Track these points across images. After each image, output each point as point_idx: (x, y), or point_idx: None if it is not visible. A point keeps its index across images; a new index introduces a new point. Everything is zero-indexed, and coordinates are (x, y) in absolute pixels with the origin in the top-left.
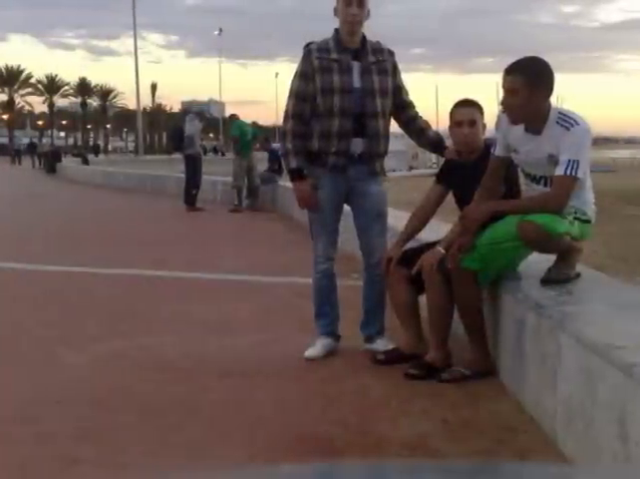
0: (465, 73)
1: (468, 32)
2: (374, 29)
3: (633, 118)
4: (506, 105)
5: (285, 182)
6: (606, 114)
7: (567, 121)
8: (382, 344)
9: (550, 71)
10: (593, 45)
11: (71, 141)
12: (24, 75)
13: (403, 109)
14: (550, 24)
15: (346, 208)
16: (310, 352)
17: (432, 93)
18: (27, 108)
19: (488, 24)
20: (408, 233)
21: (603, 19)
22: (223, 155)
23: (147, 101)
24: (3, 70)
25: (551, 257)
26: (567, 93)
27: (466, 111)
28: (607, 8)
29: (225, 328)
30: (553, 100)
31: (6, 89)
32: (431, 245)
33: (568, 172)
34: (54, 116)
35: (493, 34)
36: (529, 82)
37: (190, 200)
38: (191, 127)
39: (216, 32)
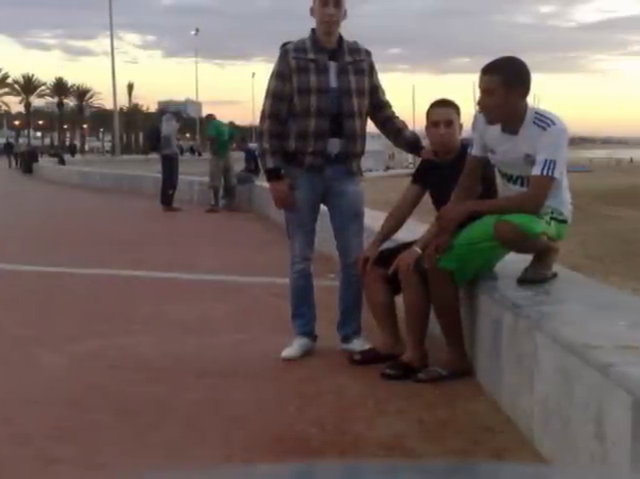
0: (441, 73)
1: (444, 32)
2: (351, 29)
3: (609, 118)
4: (483, 105)
5: (262, 182)
6: (583, 114)
7: (544, 121)
8: (358, 344)
9: (527, 71)
10: (570, 45)
11: (47, 141)
12: (0, 75)
13: (379, 109)
14: (527, 24)
15: (323, 208)
16: (287, 352)
17: (408, 93)
18: (3, 108)
19: (465, 24)
20: (384, 233)
21: (580, 19)
22: (200, 155)
23: (123, 101)
24: None
25: (528, 257)
26: (544, 93)
27: (442, 111)
28: (583, 8)
29: (203, 328)
30: (530, 100)
31: None
32: (407, 246)
33: (545, 172)
34: (30, 116)
35: (470, 34)
36: (506, 82)
37: (167, 200)
38: (168, 127)
39: (193, 32)
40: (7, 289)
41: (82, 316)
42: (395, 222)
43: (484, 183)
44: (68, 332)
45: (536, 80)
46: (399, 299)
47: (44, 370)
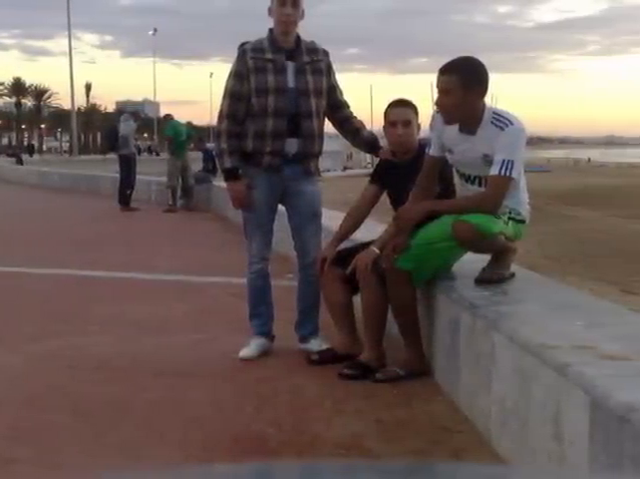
0: (399, 73)
1: (402, 32)
2: (308, 29)
3: (566, 118)
4: (441, 105)
5: (220, 182)
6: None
7: (502, 121)
8: (316, 344)
9: (485, 71)
10: (528, 45)
11: (5, 141)
12: None
13: (337, 109)
14: (485, 24)
15: (280, 208)
16: (244, 352)
17: (366, 93)
18: None
19: (423, 24)
20: (342, 232)
21: (538, 19)
22: (158, 155)
23: (81, 101)
24: None
25: (486, 257)
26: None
27: (400, 111)
28: (541, 8)
29: (161, 328)
30: (488, 100)
31: None
32: (365, 246)
33: (503, 172)
34: None
35: (428, 34)
36: (464, 82)
37: (125, 199)
38: (126, 127)
39: (151, 32)
40: None
41: (40, 316)
42: (353, 222)
43: (442, 183)
44: (25, 332)
45: (494, 80)
46: (357, 299)
47: (1, 370)
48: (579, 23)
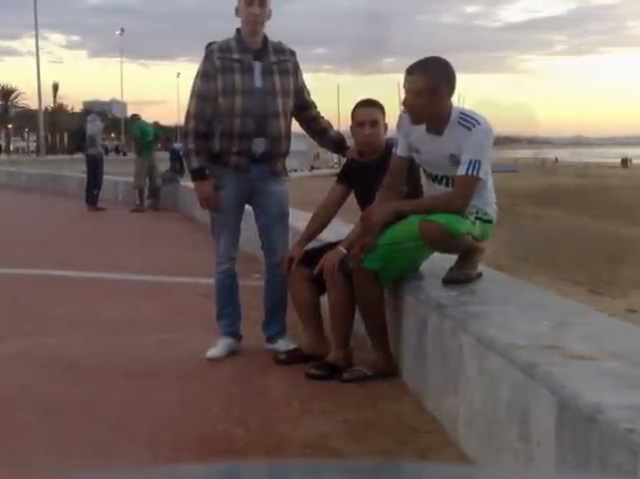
0: (366, 73)
1: (368, 32)
2: (275, 29)
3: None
4: (408, 105)
5: (187, 182)
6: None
7: (469, 121)
8: (283, 344)
9: (452, 71)
10: (496, 45)
11: None
12: None
13: (304, 109)
14: (453, 24)
15: (247, 207)
16: (212, 352)
17: (333, 93)
18: None
19: (391, 23)
20: (309, 233)
21: (505, 19)
22: (125, 155)
23: (48, 101)
24: None
25: (453, 257)
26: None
27: (367, 111)
28: (509, 8)
29: (129, 328)
30: (455, 100)
31: None
32: (332, 246)
33: (470, 172)
34: None
35: (395, 34)
36: (432, 82)
37: (92, 199)
38: (93, 127)
39: (118, 32)
40: None
41: (8, 316)
42: (320, 222)
43: (410, 183)
44: None
45: (463, 80)
46: (324, 299)
47: None
48: (547, 23)
